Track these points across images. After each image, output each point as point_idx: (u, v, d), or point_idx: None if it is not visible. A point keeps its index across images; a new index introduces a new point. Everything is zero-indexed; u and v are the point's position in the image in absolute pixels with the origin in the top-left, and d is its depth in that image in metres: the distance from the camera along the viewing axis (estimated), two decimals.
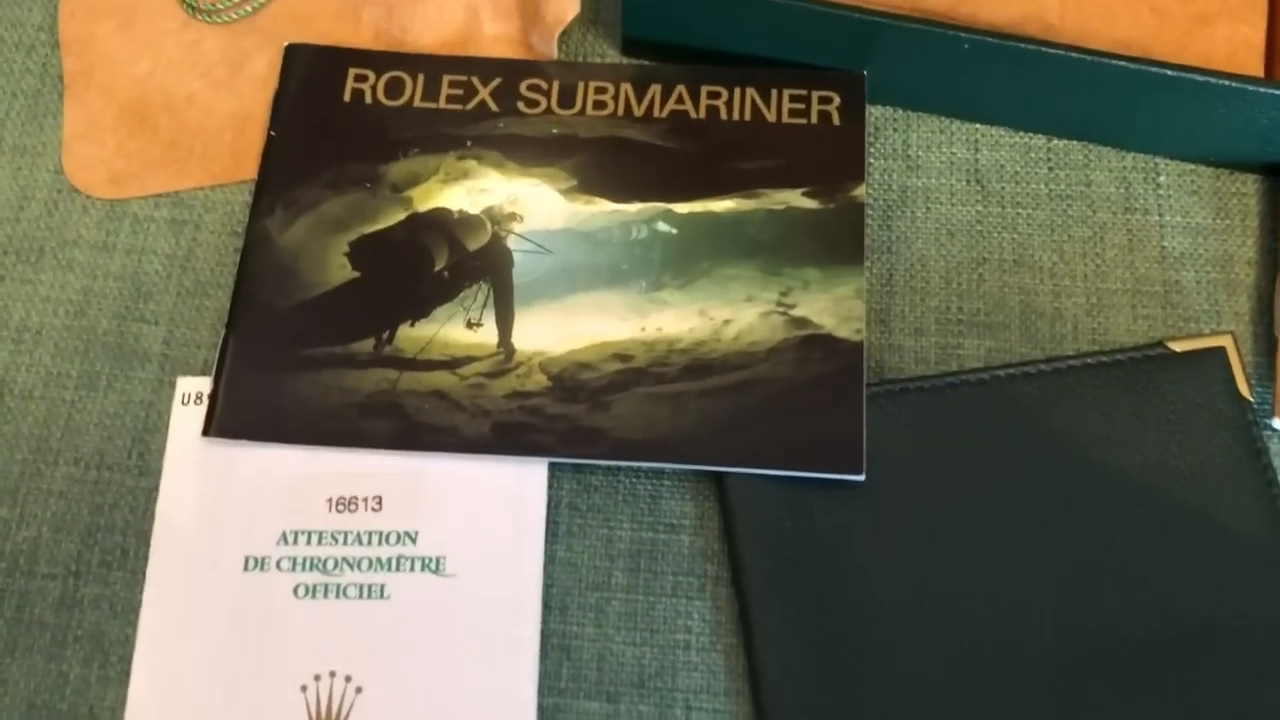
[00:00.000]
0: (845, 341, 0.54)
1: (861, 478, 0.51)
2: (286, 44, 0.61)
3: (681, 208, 0.57)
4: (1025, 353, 0.57)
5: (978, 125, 0.61)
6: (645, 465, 0.53)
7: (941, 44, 0.56)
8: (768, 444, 0.52)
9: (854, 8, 0.57)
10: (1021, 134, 0.61)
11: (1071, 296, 0.58)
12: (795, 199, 0.57)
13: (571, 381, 0.54)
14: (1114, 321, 0.57)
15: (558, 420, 0.53)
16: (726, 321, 0.55)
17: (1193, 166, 0.60)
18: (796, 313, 0.55)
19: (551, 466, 0.54)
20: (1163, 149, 0.60)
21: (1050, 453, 0.53)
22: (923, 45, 0.57)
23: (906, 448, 0.53)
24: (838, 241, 0.56)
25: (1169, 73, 0.55)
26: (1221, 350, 0.54)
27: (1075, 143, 0.61)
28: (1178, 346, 0.54)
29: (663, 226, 0.57)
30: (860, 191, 0.57)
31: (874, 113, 0.61)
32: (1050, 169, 0.60)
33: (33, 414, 0.56)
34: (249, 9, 0.62)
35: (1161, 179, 0.60)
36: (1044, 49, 0.55)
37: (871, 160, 0.60)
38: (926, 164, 0.61)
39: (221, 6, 0.62)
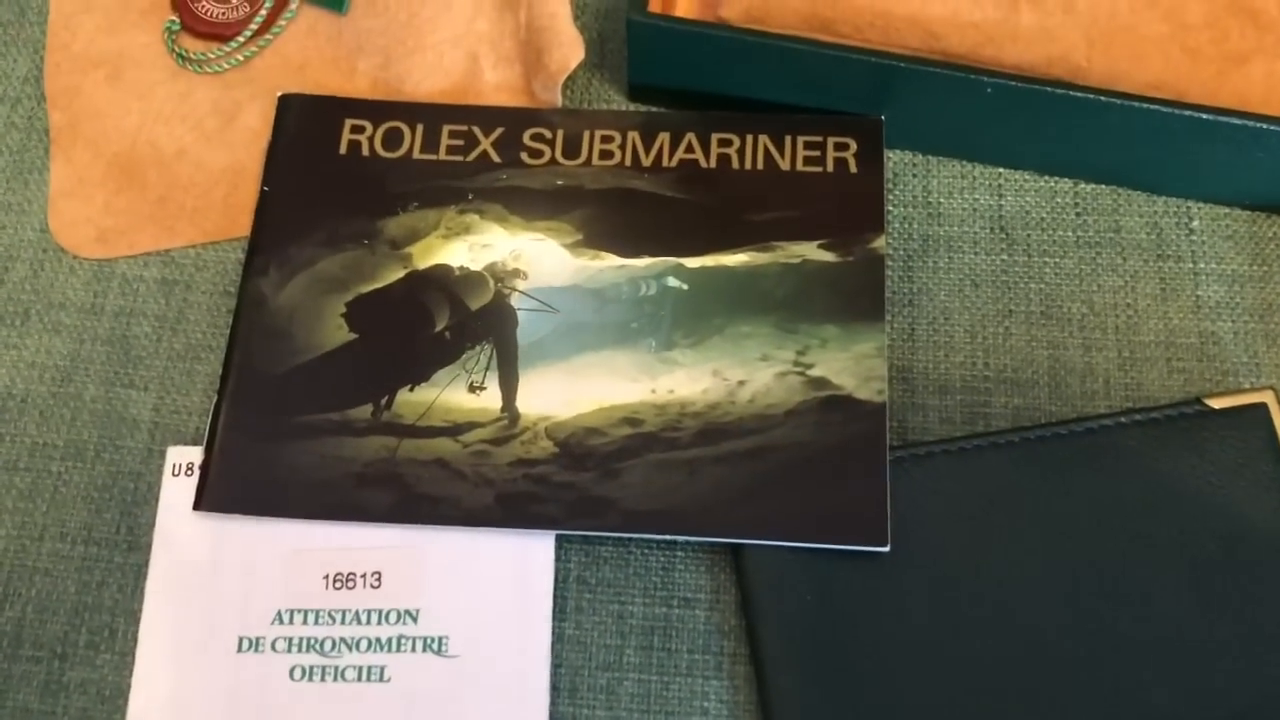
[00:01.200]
0: (867, 403, 0.51)
1: (886, 549, 0.49)
2: (280, 94, 0.59)
3: (693, 262, 0.55)
4: (1055, 411, 0.54)
5: (1001, 170, 0.59)
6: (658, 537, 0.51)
7: (963, 88, 0.54)
8: (786, 515, 0.49)
9: (871, 51, 0.54)
10: (1047, 178, 0.58)
11: (1102, 350, 0.55)
12: (811, 252, 0.55)
13: (579, 448, 0.51)
14: (1147, 376, 0.54)
15: (565, 490, 0.51)
16: (741, 382, 0.52)
17: (1228, 210, 0.57)
18: (815, 373, 0.52)
19: (559, 538, 0.51)
20: (1196, 192, 0.57)
21: (1083, 519, 0.50)
22: (944, 89, 0.54)
23: (933, 515, 0.50)
24: (857, 296, 0.54)
25: (1204, 116, 0.52)
26: (1263, 407, 0.51)
27: (1103, 187, 0.58)
28: (1216, 403, 0.52)
29: (673, 282, 0.55)
30: (880, 243, 0.54)
31: (892, 158, 0.59)
32: (1078, 215, 0.58)
33: (17, 487, 0.53)
34: (240, 58, 0.60)
35: (1195, 224, 0.57)
36: (1072, 92, 0.53)
37: (891, 208, 0.58)
38: (948, 211, 0.58)
39: (212, 55, 0.60)
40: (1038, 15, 0.55)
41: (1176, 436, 0.51)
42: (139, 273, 0.57)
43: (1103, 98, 0.53)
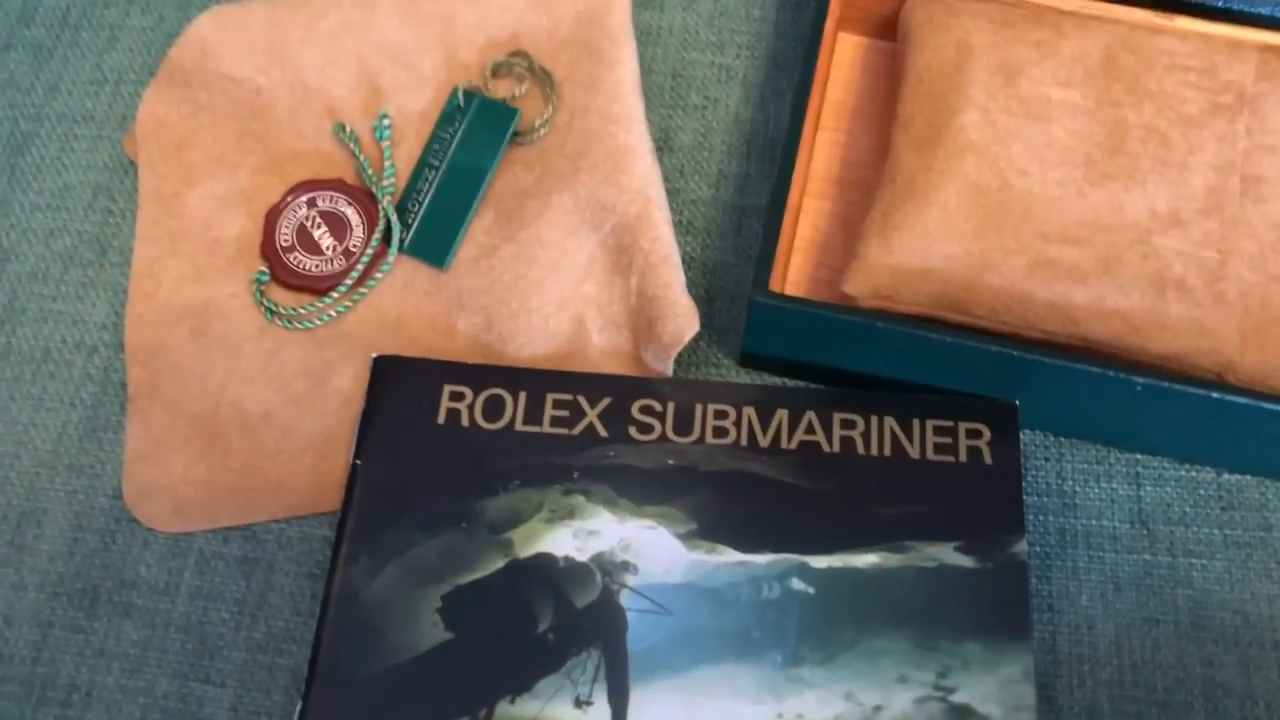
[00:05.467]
0: None
1: None
2: (374, 355, 0.56)
3: (819, 561, 0.51)
4: None
5: (1138, 455, 0.55)
6: None
7: (1109, 384, 0.50)
8: None
9: (1009, 343, 0.51)
10: (1187, 467, 0.55)
11: (1261, 670, 0.51)
12: (948, 554, 0.51)
13: None
14: None
15: None
16: (877, 708, 0.48)
17: None
18: (957, 699, 0.48)
19: None
20: None
21: None
22: (1086, 382, 0.51)
23: None
24: (1000, 609, 0.49)
25: None
26: None
27: (1249, 478, 0.54)
28: None
29: (798, 584, 0.51)
30: (1021, 547, 0.50)
31: (1022, 438, 0.55)
32: (1223, 510, 0.54)
33: None
34: (333, 314, 0.57)
35: None
36: (1229, 397, 0.49)
37: (1024, 497, 0.54)
38: (1084, 501, 0.54)
39: (304, 311, 0.57)
40: (1186, 305, 0.52)
41: None
42: (218, 549, 0.53)
43: (1265, 405, 0.49)
